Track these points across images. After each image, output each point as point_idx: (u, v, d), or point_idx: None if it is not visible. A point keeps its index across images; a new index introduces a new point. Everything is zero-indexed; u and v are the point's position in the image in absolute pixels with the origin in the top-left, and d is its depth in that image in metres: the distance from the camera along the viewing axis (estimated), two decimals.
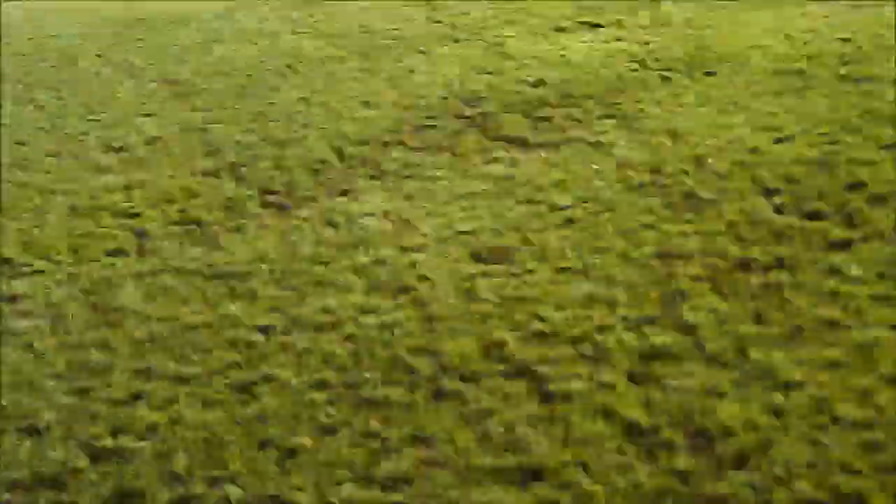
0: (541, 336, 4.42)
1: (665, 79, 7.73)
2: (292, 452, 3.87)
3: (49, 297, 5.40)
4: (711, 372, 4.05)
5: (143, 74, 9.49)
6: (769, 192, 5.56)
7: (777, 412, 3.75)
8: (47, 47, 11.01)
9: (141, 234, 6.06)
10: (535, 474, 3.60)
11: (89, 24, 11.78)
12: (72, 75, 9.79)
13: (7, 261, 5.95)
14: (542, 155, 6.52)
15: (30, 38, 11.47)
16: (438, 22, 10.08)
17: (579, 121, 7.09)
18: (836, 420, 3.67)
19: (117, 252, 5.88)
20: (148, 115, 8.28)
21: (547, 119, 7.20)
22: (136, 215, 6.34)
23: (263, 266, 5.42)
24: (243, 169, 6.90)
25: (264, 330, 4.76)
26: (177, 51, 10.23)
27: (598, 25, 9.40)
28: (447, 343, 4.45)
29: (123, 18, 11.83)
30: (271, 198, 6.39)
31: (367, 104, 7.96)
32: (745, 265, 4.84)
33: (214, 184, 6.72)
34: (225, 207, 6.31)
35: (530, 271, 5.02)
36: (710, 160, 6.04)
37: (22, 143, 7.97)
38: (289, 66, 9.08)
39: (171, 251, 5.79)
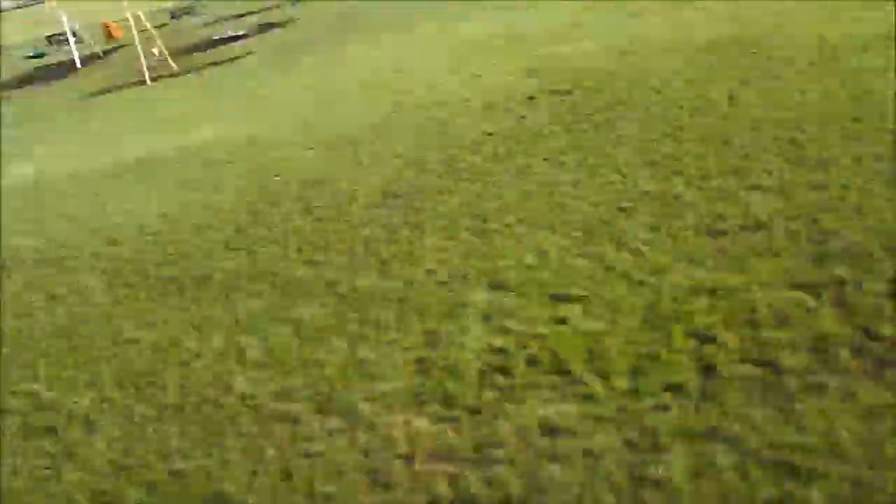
0: None
1: None
2: None
3: (591, 444, 4.94)
4: None
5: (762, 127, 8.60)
6: None
7: None
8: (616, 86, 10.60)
9: (708, 368, 5.32)
10: None
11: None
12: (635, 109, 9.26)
13: (566, 373, 5.61)
14: None
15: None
16: None
17: None
18: None
19: (676, 390, 5.21)
20: (755, 187, 7.41)
21: None
22: (710, 339, 5.60)
23: (834, 467, 4.36)
24: (849, 288, 5.75)
25: None
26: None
27: None
28: None
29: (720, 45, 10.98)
30: (872, 345, 5.21)
31: None
32: None
33: (811, 307, 5.68)
34: (813, 349, 5.28)
35: None
36: None
37: (560, 204, 7.64)
38: None
39: (736, 405, 4.97)
